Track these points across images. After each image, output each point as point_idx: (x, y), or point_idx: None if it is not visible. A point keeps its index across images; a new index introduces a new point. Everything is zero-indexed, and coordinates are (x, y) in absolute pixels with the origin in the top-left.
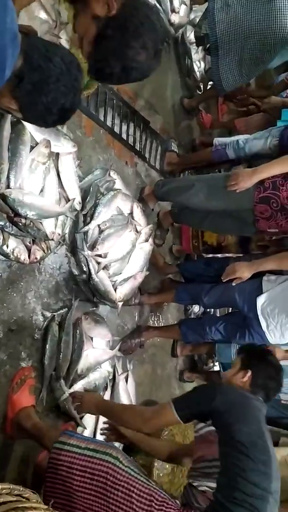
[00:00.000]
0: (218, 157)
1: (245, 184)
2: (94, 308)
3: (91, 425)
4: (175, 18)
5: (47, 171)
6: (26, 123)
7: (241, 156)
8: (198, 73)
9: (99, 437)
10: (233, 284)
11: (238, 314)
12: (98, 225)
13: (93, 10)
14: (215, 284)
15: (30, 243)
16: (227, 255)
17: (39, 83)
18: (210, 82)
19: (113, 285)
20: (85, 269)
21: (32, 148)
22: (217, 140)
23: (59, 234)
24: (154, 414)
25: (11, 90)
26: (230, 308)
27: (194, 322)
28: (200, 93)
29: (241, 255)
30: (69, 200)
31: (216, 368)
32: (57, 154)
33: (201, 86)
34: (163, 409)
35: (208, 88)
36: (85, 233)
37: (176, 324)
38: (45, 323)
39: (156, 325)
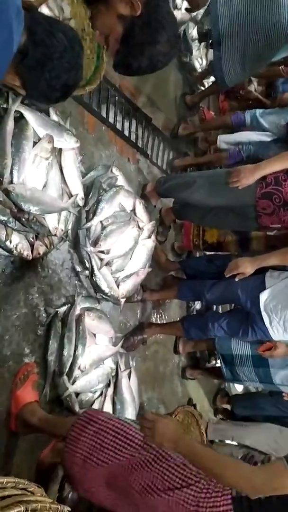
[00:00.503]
0: (233, 160)
1: (247, 181)
2: (97, 305)
3: None
4: (177, 15)
5: (50, 166)
6: (29, 118)
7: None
8: (199, 70)
9: None
10: (236, 279)
11: (241, 310)
12: (101, 222)
13: (117, 10)
14: (218, 280)
15: (33, 238)
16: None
17: (42, 59)
18: (212, 79)
19: (115, 282)
20: (87, 265)
21: (35, 143)
22: (221, 138)
23: (62, 230)
24: (267, 478)
25: (15, 67)
26: (233, 304)
27: (197, 318)
28: (202, 89)
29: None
30: (71, 196)
31: (218, 364)
32: (60, 150)
33: (204, 82)
34: (278, 470)
35: (210, 84)
36: (88, 229)
37: (178, 320)
38: (48, 319)
39: (159, 322)
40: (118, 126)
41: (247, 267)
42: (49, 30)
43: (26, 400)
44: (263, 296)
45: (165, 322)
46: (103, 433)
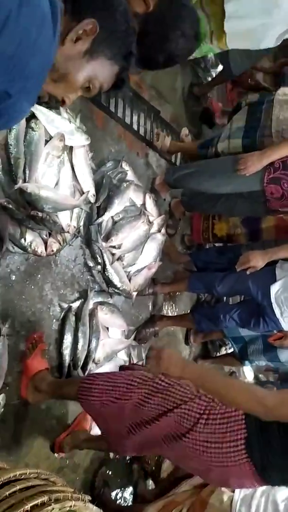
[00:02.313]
0: None
1: (254, 168)
2: (109, 299)
3: None
4: None
5: (61, 164)
6: (40, 117)
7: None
8: (209, 60)
9: None
10: (248, 273)
11: (252, 302)
12: (112, 217)
13: (131, 8)
14: (228, 273)
15: (46, 236)
16: None
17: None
18: (219, 68)
19: (127, 276)
20: (99, 260)
21: (46, 142)
22: None
23: (74, 227)
24: (281, 402)
25: None
26: (243, 296)
27: (208, 310)
28: (209, 79)
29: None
30: (83, 193)
31: (229, 351)
32: (71, 147)
33: (211, 72)
34: None
35: (217, 74)
36: (99, 224)
37: (189, 312)
38: (62, 314)
39: (170, 314)
40: (127, 120)
41: (258, 260)
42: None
43: (37, 369)
44: (274, 288)
45: (176, 314)
46: (113, 376)
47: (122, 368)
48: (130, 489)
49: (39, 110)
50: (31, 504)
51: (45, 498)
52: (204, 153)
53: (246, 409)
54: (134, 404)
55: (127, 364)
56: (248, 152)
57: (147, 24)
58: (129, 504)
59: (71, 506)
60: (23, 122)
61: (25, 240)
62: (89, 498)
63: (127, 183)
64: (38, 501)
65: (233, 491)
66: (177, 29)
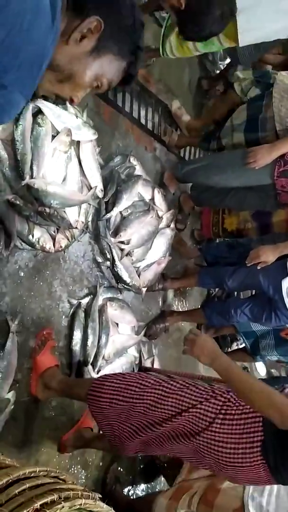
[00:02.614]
0: None
1: (264, 161)
2: (119, 295)
3: None
4: None
5: (68, 159)
6: (46, 112)
7: None
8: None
9: None
10: (258, 268)
11: (263, 296)
12: (120, 212)
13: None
14: (239, 267)
15: (54, 232)
16: None
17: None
18: (227, 61)
19: (136, 271)
20: (108, 256)
21: (53, 137)
22: None
23: (82, 222)
24: None
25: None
26: (254, 290)
27: (219, 305)
28: (218, 72)
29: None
30: (91, 188)
31: (241, 346)
32: (78, 142)
33: (219, 65)
34: None
35: (225, 66)
36: (108, 220)
37: (200, 308)
38: (72, 310)
39: (180, 309)
40: (135, 114)
41: (268, 255)
42: None
43: (46, 365)
44: (286, 282)
45: (186, 309)
46: (127, 376)
47: (141, 369)
48: (142, 486)
49: (46, 105)
50: (40, 503)
51: (54, 497)
52: (206, 147)
53: (264, 413)
54: (146, 405)
55: (137, 361)
56: (252, 146)
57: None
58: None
59: (81, 504)
60: (29, 117)
61: (33, 236)
62: (100, 496)
63: (136, 177)
64: (48, 499)
65: None
66: (208, 15)
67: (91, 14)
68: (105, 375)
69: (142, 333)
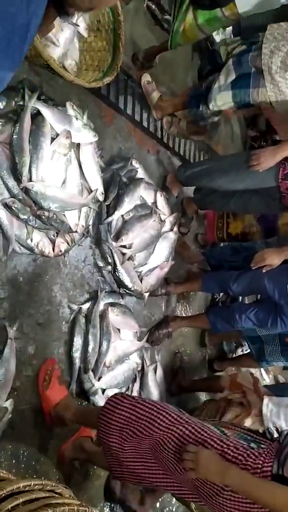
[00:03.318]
0: None
1: (268, 164)
2: (120, 300)
3: None
4: None
5: (68, 162)
6: (46, 114)
7: None
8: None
9: None
10: (263, 271)
11: (268, 301)
12: (122, 216)
13: None
14: (243, 271)
15: (54, 236)
16: None
17: None
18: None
19: (138, 276)
20: (110, 260)
21: (52, 139)
22: None
23: (82, 226)
24: None
25: None
26: (259, 295)
27: (223, 310)
28: None
29: (267, 239)
30: (91, 191)
31: (246, 351)
32: (78, 145)
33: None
34: None
35: None
36: (109, 224)
37: (203, 313)
38: (72, 315)
39: (184, 315)
40: (137, 117)
41: (274, 259)
42: None
43: (57, 399)
44: None
45: (190, 315)
46: (139, 406)
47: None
48: None
49: (45, 107)
50: None
51: None
52: (195, 112)
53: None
54: (153, 443)
55: (139, 368)
56: (242, 108)
57: None
58: None
59: None
60: (28, 119)
61: (32, 240)
62: (97, 511)
63: (138, 180)
64: None
65: None
66: None
67: None
68: (115, 399)
69: (145, 339)
